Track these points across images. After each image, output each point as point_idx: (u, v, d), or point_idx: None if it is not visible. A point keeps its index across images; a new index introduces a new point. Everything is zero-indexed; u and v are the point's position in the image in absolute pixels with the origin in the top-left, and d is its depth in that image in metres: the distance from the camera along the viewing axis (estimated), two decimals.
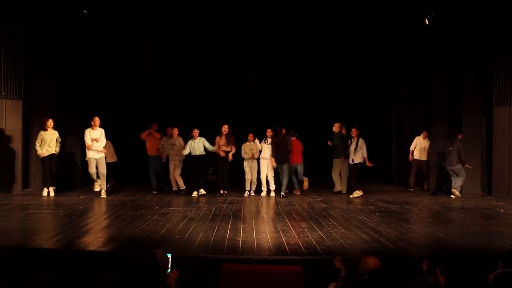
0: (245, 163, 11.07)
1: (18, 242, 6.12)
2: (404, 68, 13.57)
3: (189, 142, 10.87)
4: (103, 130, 10.26)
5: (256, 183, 11.12)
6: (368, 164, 10.91)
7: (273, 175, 11.03)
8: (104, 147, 10.31)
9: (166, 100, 15.32)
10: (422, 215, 8.73)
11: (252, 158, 10.98)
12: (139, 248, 5.77)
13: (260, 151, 11.06)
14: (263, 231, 6.90)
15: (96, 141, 10.07)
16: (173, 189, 11.20)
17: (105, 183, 10.34)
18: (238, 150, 11.13)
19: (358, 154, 10.79)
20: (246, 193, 11.04)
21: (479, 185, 11.00)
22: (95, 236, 6.44)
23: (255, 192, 11.10)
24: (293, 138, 11.26)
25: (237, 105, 15.66)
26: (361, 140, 10.85)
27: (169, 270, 3.84)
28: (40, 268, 3.80)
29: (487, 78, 10.83)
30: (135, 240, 6.20)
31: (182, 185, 11.06)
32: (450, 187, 10.82)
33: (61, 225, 7.24)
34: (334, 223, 7.52)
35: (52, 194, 10.37)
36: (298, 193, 11.21)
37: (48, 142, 10.36)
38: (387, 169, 13.87)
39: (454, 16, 11.31)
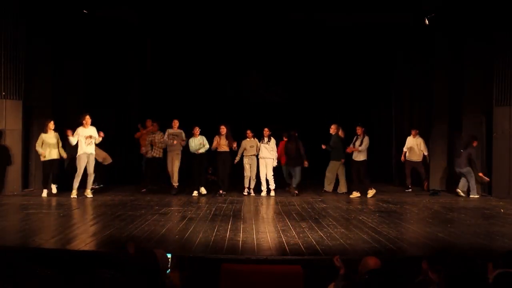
0: (246, 160, 11.09)
1: (18, 242, 6.11)
2: (404, 68, 13.58)
3: (190, 140, 10.91)
4: (95, 128, 10.19)
5: (255, 180, 11.14)
6: (348, 149, 10.97)
7: (272, 174, 11.05)
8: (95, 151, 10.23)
9: (166, 100, 15.30)
10: (422, 215, 8.73)
11: (254, 154, 11.03)
12: (139, 248, 5.75)
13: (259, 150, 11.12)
14: (263, 231, 6.90)
15: (90, 137, 10.04)
16: (174, 184, 11.04)
17: (91, 182, 10.28)
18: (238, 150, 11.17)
19: (363, 151, 10.79)
20: (246, 191, 11.05)
21: (479, 185, 10.99)
22: (95, 236, 6.44)
23: (255, 191, 11.11)
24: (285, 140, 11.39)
25: (237, 105, 15.64)
26: (366, 138, 10.83)
27: (169, 270, 3.84)
28: (40, 268, 3.79)
29: (487, 78, 10.84)
30: (135, 240, 6.19)
31: (176, 182, 10.98)
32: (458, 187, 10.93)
33: (61, 225, 7.25)
34: (334, 223, 7.53)
35: (54, 191, 10.45)
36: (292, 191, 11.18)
37: (51, 145, 10.35)
38: (387, 169, 13.89)
39: (454, 16, 11.33)
